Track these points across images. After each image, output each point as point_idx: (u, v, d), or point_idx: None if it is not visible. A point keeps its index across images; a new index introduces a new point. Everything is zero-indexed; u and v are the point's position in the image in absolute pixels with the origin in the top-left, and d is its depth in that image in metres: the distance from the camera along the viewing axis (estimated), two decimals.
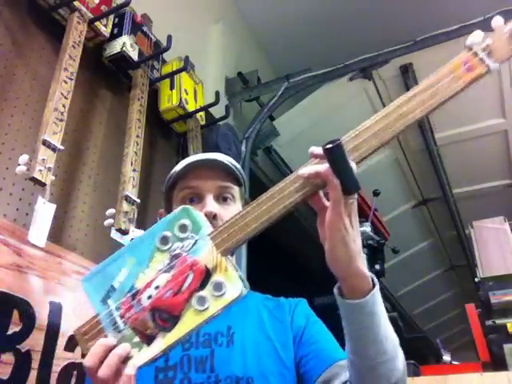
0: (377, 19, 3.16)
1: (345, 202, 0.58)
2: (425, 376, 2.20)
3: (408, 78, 2.59)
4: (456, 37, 2.28)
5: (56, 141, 1.28)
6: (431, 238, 4.33)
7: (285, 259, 3.16)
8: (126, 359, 0.57)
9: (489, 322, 2.27)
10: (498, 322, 2.25)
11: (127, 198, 1.51)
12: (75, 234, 1.47)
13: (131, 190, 1.54)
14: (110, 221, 1.46)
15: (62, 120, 1.33)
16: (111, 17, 1.71)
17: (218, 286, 0.57)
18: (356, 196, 0.59)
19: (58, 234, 1.39)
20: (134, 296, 0.60)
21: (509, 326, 2.19)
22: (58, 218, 1.37)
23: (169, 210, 0.90)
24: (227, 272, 0.58)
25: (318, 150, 0.58)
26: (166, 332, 0.58)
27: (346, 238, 0.58)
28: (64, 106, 1.35)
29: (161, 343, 0.57)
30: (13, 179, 1.28)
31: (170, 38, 1.85)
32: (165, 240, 0.61)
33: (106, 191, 1.63)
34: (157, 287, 0.59)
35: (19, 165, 1.19)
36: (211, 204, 0.83)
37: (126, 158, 1.61)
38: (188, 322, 0.57)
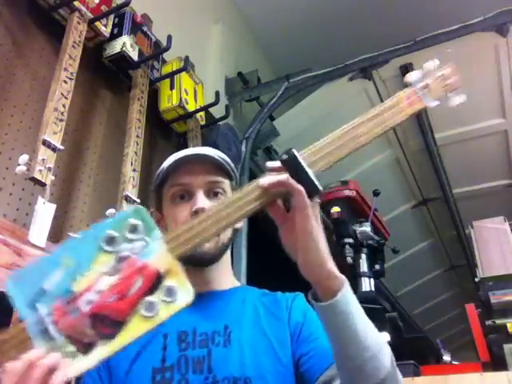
0: (377, 19, 3.16)
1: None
2: (425, 376, 2.20)
3: None
4: (456, 37, 2.28)
5: (56, 141, 1.28)
6: (431, 238, 4.33)
7: (284, 256, 3.16)
8: (52, 371, 0.51)
9: (489, 322, 2.27)
10: (498, 321, 2.25)
11: (127, 198, 1.51)
12: (75, 234, 1.47)
13: (131, 190, 1.54)
14: None
15: (62, 120, 1.33)
16: (111, 17, 1.71)
17: (170, 292, 0.54)
18: (318, 199, 0.62)
19: (58, 234, 1.39)
20: (69, 300, 0.54)
21: (509, 325, 2.19)
22: (58, 218, 1.37)
23: (160, 208, 0.89)
24: (179, 276, 0.55)
25: (276, 164, 0.61)
26: (107, 339, 0.53)
27: (317, 239, 0.61)
28: (64, 105, 1.35)
29: (102, 351, 0.52)
30: (13, 179, 1.28)
31: (170, 37, 1.85)
32: (111, 240, 0.56)
33: (106, 191, 1.63)
34: (99, 291, 0.54)
35: (19, 165, 1.19)
36: (202, 200, 0.82)
37: (126, 157, 1.61)
38: (134, 329, 0.53)
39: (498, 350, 2.14)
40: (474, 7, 2.32)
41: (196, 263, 0.82)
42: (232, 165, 0.90)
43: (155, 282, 0.54)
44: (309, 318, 0.84)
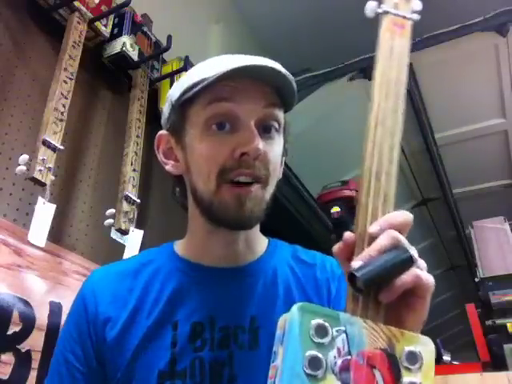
0: (377, 19, 3.16)
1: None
2: None
3: (408, 77, 2.59)
4: (456, 37, 2.28)
5: (56, 141, 1.28)
6: (431, 238, 4.33)
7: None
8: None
9: (489, 322, 2.28)
10: (498, 321, 2.26)
11: (127, 198, 1.51)
12: (75, 233, 1.47)
13: (131, 190, 1.54)
14: (110, 221, 1.46)
15: (62, 120, 1.33)
16: (111, 17, 1.71)
17: (412, 357, 0.44)
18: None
19: (57, 234, 1.39)
20: None
21: (509, 326, 2.20)
22: (58, 218, 1.37)
23: (178, 132, 0.67)
24: (404, 335, 0.44)
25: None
26: None
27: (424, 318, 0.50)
28: (64, 105, 1.35)
29: None
30: (13, 179, 1.28)
31: (170, 37, 1.85)
32: (315, 363, 0.42)
33: (106, 191, 1.63)
34: None
35: (19, 165, 1.19)
36: (258, 137, 0.59)
37: (126, 157, 1.61)
38: None
39: (498, 350, 2.15)
40: (474, 7, 2.32)
41: (237, 226, 0.64)
42: (295, 89, 0.65)
43: (391, 362, 0.43)
44: None
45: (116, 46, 1.72)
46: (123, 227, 1.46)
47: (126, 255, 1.47)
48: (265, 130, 0.62)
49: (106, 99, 1.78)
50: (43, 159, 1.21)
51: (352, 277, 0.43)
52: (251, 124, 0.60)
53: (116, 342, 0.62)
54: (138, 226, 1.53)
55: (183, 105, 0.65)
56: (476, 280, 2.56)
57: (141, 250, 1.51)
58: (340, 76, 2.58)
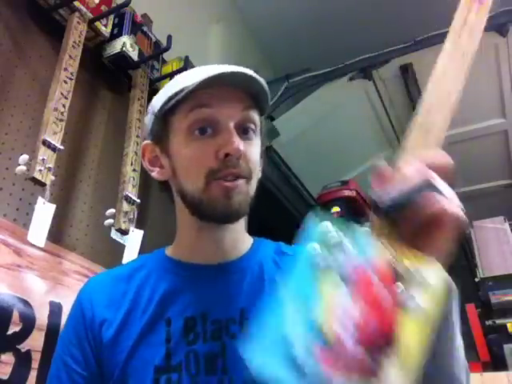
0: (377, 19, 3.16)
1: None
2: None
3: (408, 78, 2.59)
4: None
5: (56, 141, 1.28)
6: None
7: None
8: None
9: (489, 322, 2.28)
10: (498, 321, 2.26)
11: (127, 198, 1.51)
12: (75, 233, 1.47)
13: (131, 190, 1.54)
14: (110, 221, 1.46)
15: (62, 120, 1.33)
16: (111, 17, 1.71)
17: (416, 275, 0.43)
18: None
19: (57, 234, 1.39)
20: (327, 345, 0.41)
21: (509, 325, 2.20)
22: (58, 218, 1.37)
23: (162, 140, 0.70)
24: (416, 256, 0.45)
25: None
26: (392, 358, 0.41)
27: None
28: (64, 106, 1.35)
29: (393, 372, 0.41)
30: (13, 179, 1.28)
31: (170, 37, 1.86)
32: (324, 257, 0.45)
33: (106, 191, 1.63)
34: (350, 317, 0.42)
35: (19, 165, 1.19)
36: (238, 139, 0.63)
37: (126, 157, 1.61)
38: (411, 331, 0.42)
39: (498, 350, 2.15)
40: None
41: (225, 220, 0.67)
42: (269, 93, 0.69)
43: (396, 274, 0.43)
44: None
45: (116, 46, 1.72)
46: (123, 227, 1.46)
47: (126, 255, 1.47)
48: (243, 132, 0.66)
49: (106, 99, 1.78)
50: (43, 159, 1.22)
51: (375, 202, 0.46)
52: (231, 127, 0.64)
53: (111, 342, 0.65)
54: (138, 226, 1.53)
55: (166, 114, 0.68)
56: (476, 280, 2.56)
57: (141, 250, 1.51)
58: (340, 76, 2.58)
